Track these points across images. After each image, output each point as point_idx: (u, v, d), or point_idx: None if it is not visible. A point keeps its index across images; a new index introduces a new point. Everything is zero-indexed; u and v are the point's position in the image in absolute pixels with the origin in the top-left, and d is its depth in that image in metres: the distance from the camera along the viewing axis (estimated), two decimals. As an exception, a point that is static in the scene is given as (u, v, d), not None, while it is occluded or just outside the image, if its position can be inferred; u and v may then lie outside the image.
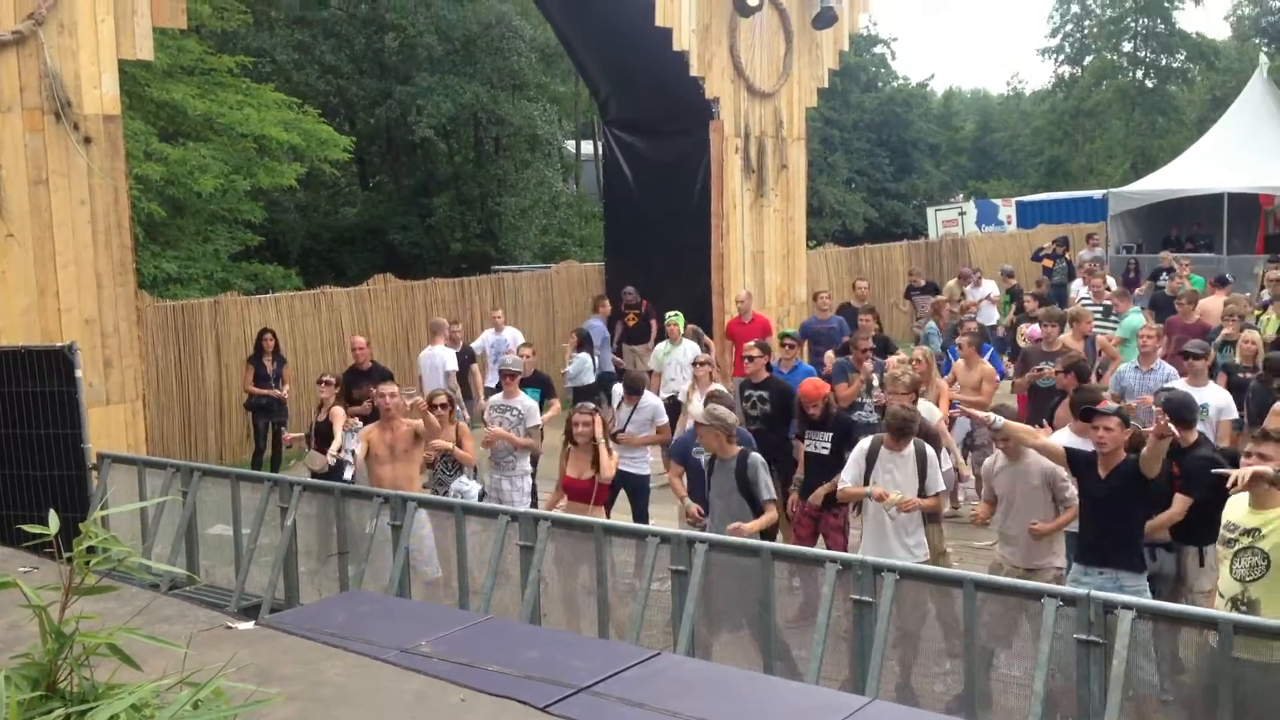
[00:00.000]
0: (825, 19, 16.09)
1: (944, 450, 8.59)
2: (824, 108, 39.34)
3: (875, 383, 10.17)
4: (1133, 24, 48.13)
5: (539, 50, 28.22)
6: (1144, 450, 6.02)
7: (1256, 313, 13.94)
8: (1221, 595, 5.10)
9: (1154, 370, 9.65)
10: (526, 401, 9.53)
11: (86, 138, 9.72)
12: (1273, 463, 4.98)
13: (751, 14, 15.10)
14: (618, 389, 10.33)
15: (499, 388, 10.35)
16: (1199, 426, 7.50)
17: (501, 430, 9.21)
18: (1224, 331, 10.95)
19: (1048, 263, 19.75)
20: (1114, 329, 12.62)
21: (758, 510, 7.21)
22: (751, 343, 10.23)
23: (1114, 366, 10.80)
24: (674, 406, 11.26)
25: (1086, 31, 50.20)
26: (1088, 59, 50.00)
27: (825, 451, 8.29)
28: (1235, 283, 16.18)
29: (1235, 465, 5.50)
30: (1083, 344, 11.43)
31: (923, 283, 17.85)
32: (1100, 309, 13.85)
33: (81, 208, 9.75)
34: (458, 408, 9.61)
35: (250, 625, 3.73)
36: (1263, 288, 16.21)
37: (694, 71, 14.98)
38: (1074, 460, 6.40)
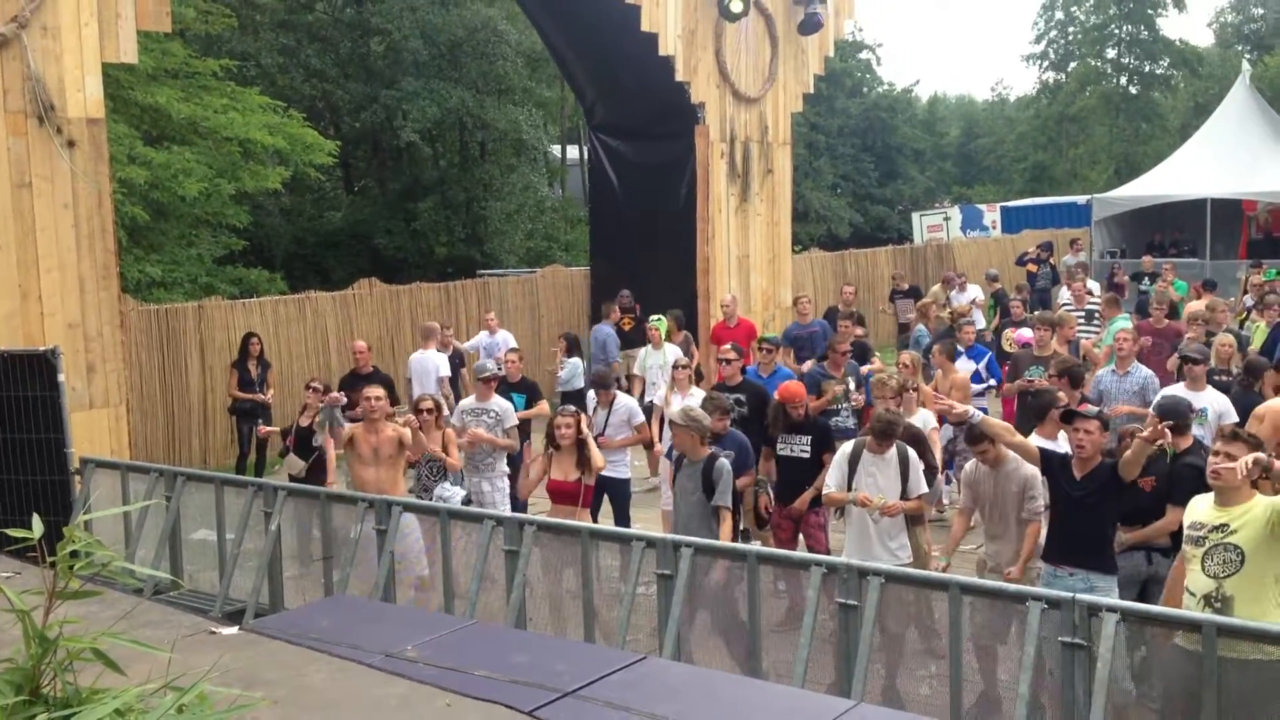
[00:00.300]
0: (810, 25, 16.12)
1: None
2: (809, 113, 39.42)
3: (852, 386, 10.20)
4: (1116, 30, 48.45)
5: (524, 55, 28.22)
6: (1127, 453, 6.05)
7: (1240, 317, 14.03)
8: (1193, 594, 5.11)
9: (1130, 374, 9.73)
10: (501, 403, 9.51)
11: (70, 141, 9.67)
12: (1237, 462, 5.03)
13: (737, 19, 15.13)
14: (591, 395, 10.32)
15: None
16: (1199, 431, 7.55)
17: (483, 432, 9.20)
18: (1187, 337, 10.94)
19: (1032, 268, 19.82)
20: (1097, 333, 12.67)
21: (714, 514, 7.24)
22: (728, 345, 10.20)
23: (1095, 371, 10.85)
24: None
25: (1071, 38, 50.53)
26: (1072, 65, 50.33)
27: (805, 455, 8.30)
28: (1219, 289, 16.28)
29: None
30: (1066, 349, 11.46)
31: (906, 286, 17.93)
32: (1082, 314, 13.91)
33: (65, 211, 9.70)
34: (446, 414, 9.58)
35: (234, 630, 3.72)
36: (1245, 292, 16.33)
37: (679, 76, 15.01)
38: (1048, 461, 6.43)
